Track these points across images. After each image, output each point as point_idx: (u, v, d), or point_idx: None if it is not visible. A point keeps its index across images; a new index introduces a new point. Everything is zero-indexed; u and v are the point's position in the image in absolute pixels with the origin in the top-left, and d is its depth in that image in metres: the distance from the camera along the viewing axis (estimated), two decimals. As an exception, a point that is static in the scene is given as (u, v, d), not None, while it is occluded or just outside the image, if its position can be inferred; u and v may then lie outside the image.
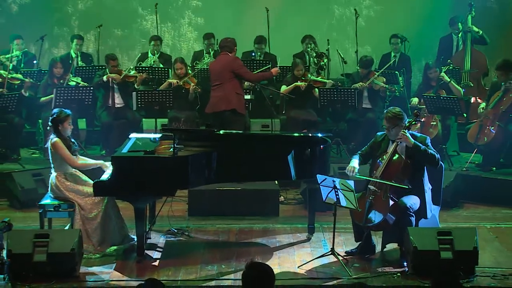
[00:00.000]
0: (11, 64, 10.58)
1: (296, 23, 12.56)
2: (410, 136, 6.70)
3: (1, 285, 5.69)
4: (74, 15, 12.79)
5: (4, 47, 11.14)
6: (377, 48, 11.22)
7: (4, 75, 9.89)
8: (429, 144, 6.85)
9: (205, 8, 12.92)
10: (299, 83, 10.16)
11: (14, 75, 10.15)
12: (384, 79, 10.32)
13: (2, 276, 5.68)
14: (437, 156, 6.78)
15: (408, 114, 7.09)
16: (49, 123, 7.17)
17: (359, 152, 7.16)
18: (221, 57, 9.55)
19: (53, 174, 7.13)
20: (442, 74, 9.94)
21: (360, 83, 10.17)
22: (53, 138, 7.08)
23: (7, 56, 10.77)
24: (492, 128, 9.14)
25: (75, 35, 11.50)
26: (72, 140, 7.28)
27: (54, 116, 7.15)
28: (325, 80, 10.38)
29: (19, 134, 10.08)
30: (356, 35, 11.24)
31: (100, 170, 7.21)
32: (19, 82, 10.06)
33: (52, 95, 9.79)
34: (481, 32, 11.05)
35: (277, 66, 9.98)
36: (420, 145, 6.69)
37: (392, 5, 12.60)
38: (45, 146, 7.24)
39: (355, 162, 6.95)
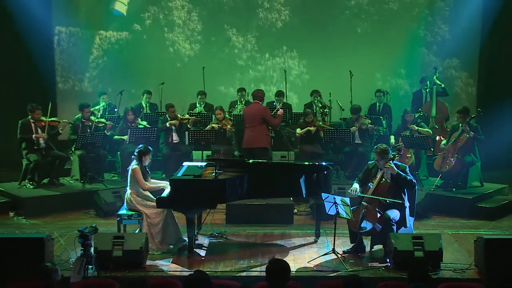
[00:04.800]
0: (99, 113, 10.77)
1: (306, 79, 12.61)
2: (394, 166, 6.72)
3: (90, 273, 5.71)
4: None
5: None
6: (368, 98, 11.27)
7: (93, 119, 10.04)
8: (408, 171, 6.89)
9: (238, 71, 13.02)
10: (310, 128, 10.17)
11: (100, 119, 10.28)
12: (370, 121, 10.30)
13: (91, 266, 5.71)
14: (414, 181, 6.82)
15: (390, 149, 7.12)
16: (135, 153, 7.19)
17: (357, 178, 7.18)
18: (254, 104, 9.53)
19: (128, 191, 7.17)
20: (413, 126, 9.83)
21: (353, 127, 10.15)
22: (134, 165, 7.11)
23: (96, 107, 10.95)
24: (452, 159, 9.05)
25: (145, 90, 11.55)
26: (147, 169, 7.33)
27: (141, 149, 7.19)
28: (329, 127, 10.36)
29: (103, 162, 10.15)
30: (351, 89, 11.25)
31: (162, 190, 7.26)
32: (103, 124, 10.16)
33: (125, 136, 9.93)
34: (443, 85, 11.03)
35: (281, 109, 9.95)
36: (402, 173, 6.73)
37: (378, 68, 12.62)
38: (127, 169, 7.24)
39: (356, 185, 6.98)
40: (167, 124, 10.27)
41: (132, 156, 7.28)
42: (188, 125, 10.39)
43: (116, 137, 10.14)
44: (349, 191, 7.03)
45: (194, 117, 10.52)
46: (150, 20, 12.71)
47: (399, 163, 6.98)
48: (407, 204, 6.83)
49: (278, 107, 10.20)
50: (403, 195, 6.82)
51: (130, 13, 12.66)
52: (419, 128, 9.78)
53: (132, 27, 12.64)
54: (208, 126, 10.34)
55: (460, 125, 9.09)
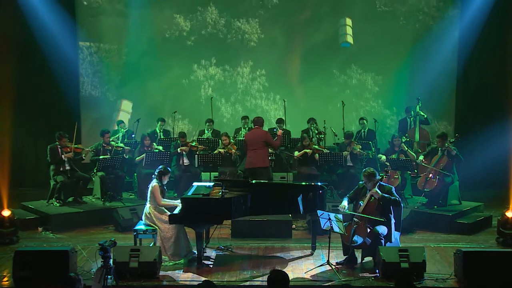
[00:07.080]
0: (119, 140, 10.81)
1: (303, 109, 12.62)
2: (379, 191, 6.74)
3: (109, 283, 5.69)
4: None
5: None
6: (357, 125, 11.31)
7: (113, 144, 10.11)
8: (394, 192, 6.91)
9: (243, 100, 13.00)
10: (307, 150, 10.20)
11: (119, 144, 10.34)
12: (360, 146, 10.35)
13: (110, 276, 5.69)
14: (399, 200, 6.82)
15: (377, 170, 7.12)
16: (156, 173, 7.21)
17: (347, 195, 7.17)
18: (255, 130, 9.46)
19: (148, 206, 7.18)
20: (403, 145, 9.89)
21: (345, 152, 10.19)
22: (154, 183, 7.13)
23: (115, 136, 10.98)
24: (434, 179, 9.07)
25: (159, 118, 11.57)
26: (165, 187, 7.35)
27: (161, 169, 7.22)
28: (324, 150, 10.39)
29: (122, 182, 10.19)
30: (343, 117, 11.30)
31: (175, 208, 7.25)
32: (122, 149, 10.22)
33: (143, 155, 9.96)
34: (425, 115, 11.08)
35: (280, 130, 10.19)
36: (386, 195, 6.76)
37: (367, 99, 12.66)
38: (147, 186, 7.27)
39: (345, 202, 6.99)
40: (178, 150, 10.32)
41: (153, 176, 7.30)
42: (197, 153, 10.44)
43: (137, 158, 10.14)
44: (338, 207, 7.03)
45: (202, 146, 10.57)
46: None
47: (385, 184, 7.00)
48: (392, 221, 6.83)
49: (280, 130, 10.17)
50: (389, 214, 6.82)
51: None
52: (408, 149, 9.84)
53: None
54: (216, 151, 10.40)
55: (440, 148, 9.12)
